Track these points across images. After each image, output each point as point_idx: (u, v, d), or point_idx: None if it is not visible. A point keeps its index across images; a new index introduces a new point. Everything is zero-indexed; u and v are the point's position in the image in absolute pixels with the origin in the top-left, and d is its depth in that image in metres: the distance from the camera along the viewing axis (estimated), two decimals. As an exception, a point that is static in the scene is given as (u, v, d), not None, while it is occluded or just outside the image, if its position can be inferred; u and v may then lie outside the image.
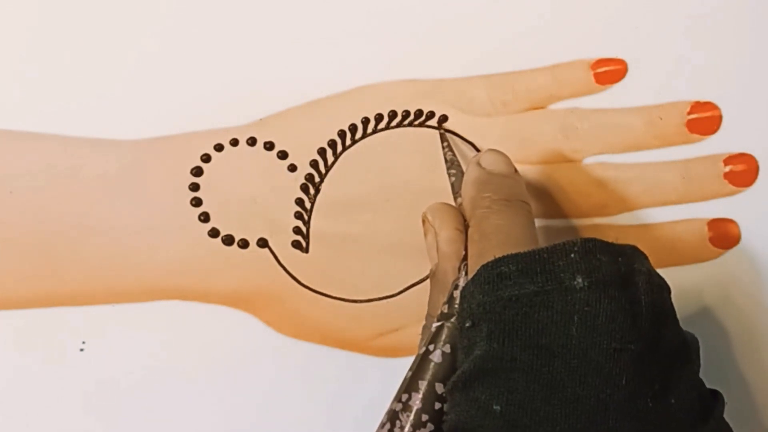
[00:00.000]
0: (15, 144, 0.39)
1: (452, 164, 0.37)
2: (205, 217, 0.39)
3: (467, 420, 0.26)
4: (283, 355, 0.38)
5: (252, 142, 0.39)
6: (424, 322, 0.33)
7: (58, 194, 0.38)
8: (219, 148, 0.39)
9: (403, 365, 0.38)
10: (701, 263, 0.38)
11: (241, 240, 0.38)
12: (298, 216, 0.39)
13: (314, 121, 0.39)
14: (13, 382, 0.38)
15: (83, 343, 0.38)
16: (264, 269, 0.38)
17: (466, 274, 0.30)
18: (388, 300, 0.38)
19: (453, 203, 0.35)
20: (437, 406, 0.28)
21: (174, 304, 0.38)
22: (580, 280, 0.26)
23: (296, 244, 0.39)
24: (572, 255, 0.26)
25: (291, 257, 0.38)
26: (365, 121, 0.39)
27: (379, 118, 0.39)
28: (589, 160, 0.39)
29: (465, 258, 0.31)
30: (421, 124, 0.39)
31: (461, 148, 0.38)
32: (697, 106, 0.38)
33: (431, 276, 0.33)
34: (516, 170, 0.34)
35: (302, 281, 0.38)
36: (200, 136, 0.39)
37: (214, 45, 0.39)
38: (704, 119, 0.38)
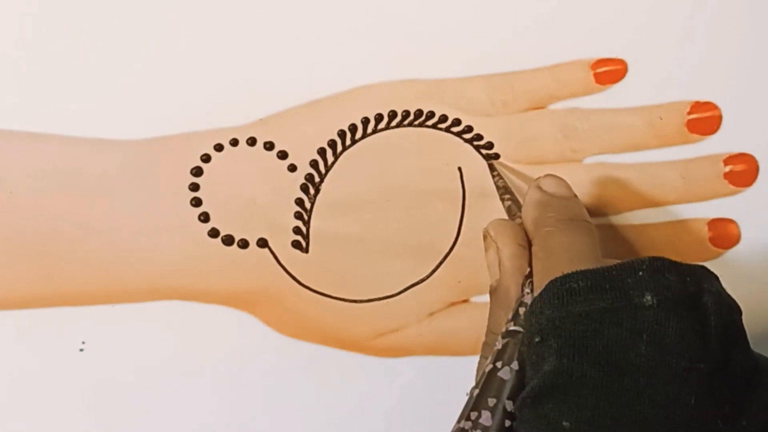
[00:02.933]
0: (15, 144, 0.39)
1: (505, 190, 0.37)
2: (205, 217, 0.39)
3: None
4: (283, 355, 0.38)
5: (252, 142, 0.39)
6: (484, 339, 0.33)
7: (58, 194, 0.38)
8: (219, 148, 0.39)
9: (403, 365, 0.38)
10: (701, 263, 0.38)
11: (241, 240, 0.38)
12: (298, 216, 0.39)
13: (314, 121, 0.39)
14: (13, 382, 0.38)
15: (83, 343, 0.38)
16: (264, 269, 0.38)
17: (531, 291, 0.30)
18: (388, 300, 0.38)
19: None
20: (507, 423, 0.28)
21: (174, 304, 0.38)
22: (649, 298, 0.26)
23: (296, 244, 0.39)
24: (641, 273, 0.27)
25: (291, 257, 0.38)
26: (365, 121, 0.39)
27: (379, 118, 0.39)
28: (589, 160, 0.39)
29: (529, 275, 0.31)
30: (421, 124, 0.39)
31: (509, 176, 0.38)
32: (697, 106, 0.38)
33: (492, 292, 0.33)
34: (576, 195, 0.34)
35: (302, 281, 0.38)
36: (200, 136, 0.39)
37: (215, 45, 0.39)
38: (704, 119, 0.38)
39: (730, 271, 0.38)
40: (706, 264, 0.38)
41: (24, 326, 0.38)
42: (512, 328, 0.30)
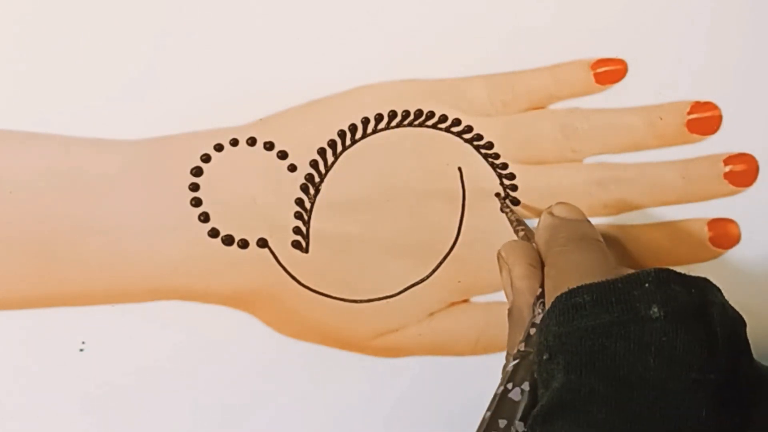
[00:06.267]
0: (15, 144, 0.39)
1: (518, 222, 0.37)
2: (205, 217, 0.39)
3: None
4: (282, 355, 0.38)
5: (252, 142, 0.39)
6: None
7: (58, 194, 0.38)
8: (219, 148, 0.39)
9: (403, 365, 0.38)
10: (701, 263, 0.38)
11: (241, 240, 0.38)
12: (298, 216, 0.39)
13: (314, 121, 0.39)
14: (13, 382, 0.38)
15: (83, 343, 0.38)
16: (264, 269, 0.38)
17: (543, 311, 0.30)
18: (388, 300, 0.38)
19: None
20: None
21: (174, 304, 0.38)
22: (655, 310, 0.26)
23: (296, 244, 0.39)
24: (647, 285, 0.26)
25: (291, 257, 0.38)
26: (365, 121, 0.39)
27: (379, 118, 0.39)
28: (589, 160, 0.39)
29: (541, 296, 0.31)
30: (421, 124, 0.39)
31: (521, 211, 0.39)
32: (697, 106, 0.38)
33: (508, 315, 0.33)
34: (587, 219, 0.34)
35: (302, 281, 0.38)
36: (200, 136, 0.39)
37: (215, 45, 0.39)
38: (704, 119, 0.38)
39: (730, 271, 0.38)
40: (706, 264, 0.38)
41: (24, 326, 0.38)
42: (523, 349, 0.29)
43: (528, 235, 0.35)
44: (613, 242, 0.38)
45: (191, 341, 0.38)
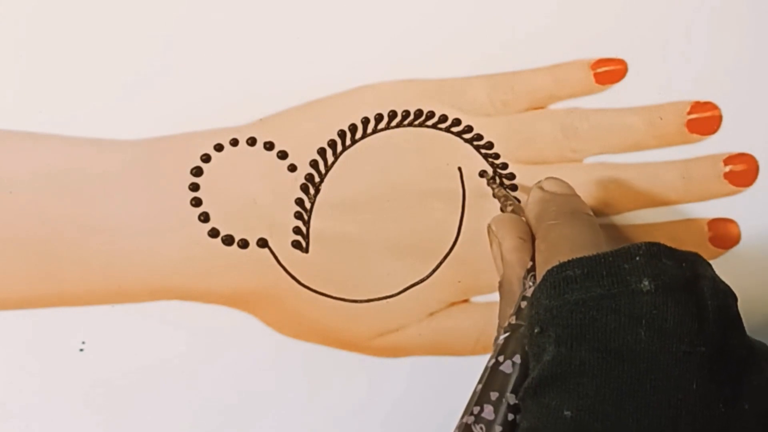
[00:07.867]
0: (15, 144, 0.39)
1: (506, 198, 0.37)
2: (205, 217, 0.39)
3: (539, 427, 0.26)
4: (282, 355, 0.38)
5: (252, 142, 0.39)
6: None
7: (58, 194, 0.38)
8: (219, 148, 0.39)
9: (403, 365, 0.38)
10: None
11: (241, 240, 0.38)
12: (298, 216, 0.39)
13: (314, 121, 0.39)
14: (13, 382, 0.38)
15: (83, 343, 0.38)
16: (264, 269, 0.38)
17: (534, 284, 0.30)
18: (388, 300, 0.38)
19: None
20: (510, 417, 0.28)
21: (174, 304, 0.38)
22: (646, 283, 0.26)
23: (296, 244, 0.39)
24: (637, 258, 0.27)
25: (291, 257, 0.38)
26: (365, 121, 0.39)
27: (379, 118, 0.39)
28: (589, 160, 0.39)
29: (532, 269, 0.31)
30: (421, 124, 0.39)
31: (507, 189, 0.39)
32: (697, 106, 0.38)
33: (499, 287, 0.33)
34: (576, 194, 0.34)
35: (302, 281, 0.38)
36: (200, 136, 0.39)
37: (215, 45, 0.39)
38: (704, 119, 0.38)
39: (730, 271, 0.38)
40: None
41: (24, 326, 0.38)
42: (514, 322, 0.30)
43: (516, 210, 0.35)
44: (613, 242, 0.38)
45: (191, 341, 0.38)
